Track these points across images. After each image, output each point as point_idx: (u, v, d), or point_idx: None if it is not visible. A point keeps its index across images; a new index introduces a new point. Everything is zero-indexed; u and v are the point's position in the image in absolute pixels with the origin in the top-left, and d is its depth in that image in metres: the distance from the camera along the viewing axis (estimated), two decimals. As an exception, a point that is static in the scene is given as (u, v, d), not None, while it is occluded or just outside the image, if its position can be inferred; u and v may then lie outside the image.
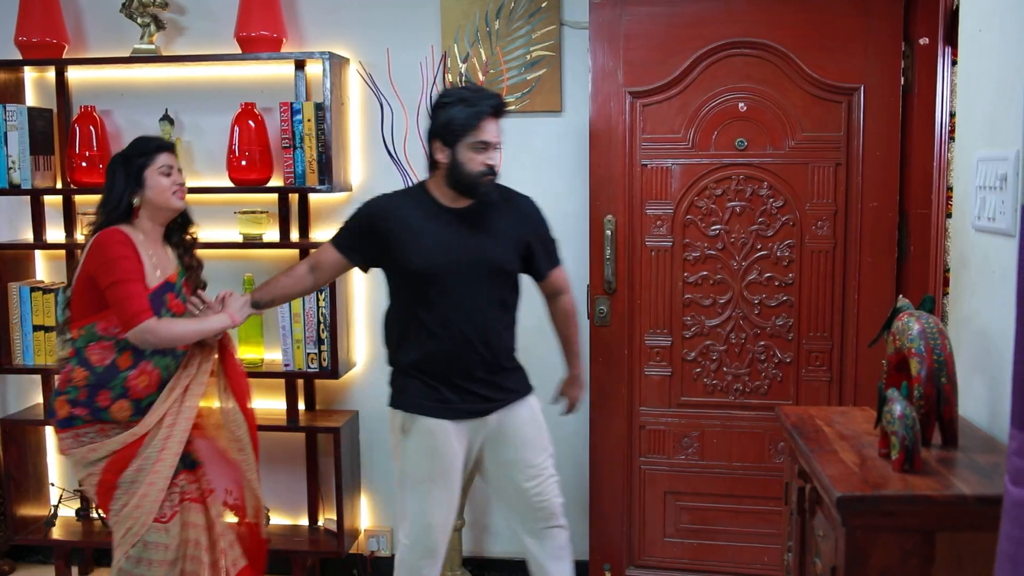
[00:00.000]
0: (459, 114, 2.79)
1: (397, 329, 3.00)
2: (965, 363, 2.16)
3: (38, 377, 4.06)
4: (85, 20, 3.98)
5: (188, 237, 3.07)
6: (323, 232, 3.89)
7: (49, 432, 4.16)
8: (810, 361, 3.44)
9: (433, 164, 2.90)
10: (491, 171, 2.84)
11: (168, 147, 2.96)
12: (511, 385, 2.99)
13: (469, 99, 2.82)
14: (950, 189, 3.30)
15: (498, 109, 2.84)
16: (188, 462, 2.99)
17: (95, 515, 4.05)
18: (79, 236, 3.95)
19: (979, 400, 2.12)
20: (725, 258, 3.45)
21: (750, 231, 3.43)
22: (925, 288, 3.29)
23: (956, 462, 1.87)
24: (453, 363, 2.89)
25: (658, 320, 3.52)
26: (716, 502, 3.56)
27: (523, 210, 3.02)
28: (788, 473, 2.32)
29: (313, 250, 3.82)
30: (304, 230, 3.85)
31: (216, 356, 3.04)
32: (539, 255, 3.01)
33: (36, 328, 3.87)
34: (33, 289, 3.86)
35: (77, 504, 4.10)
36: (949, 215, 3.30)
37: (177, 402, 2.91)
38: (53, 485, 4.15)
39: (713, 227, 3.45)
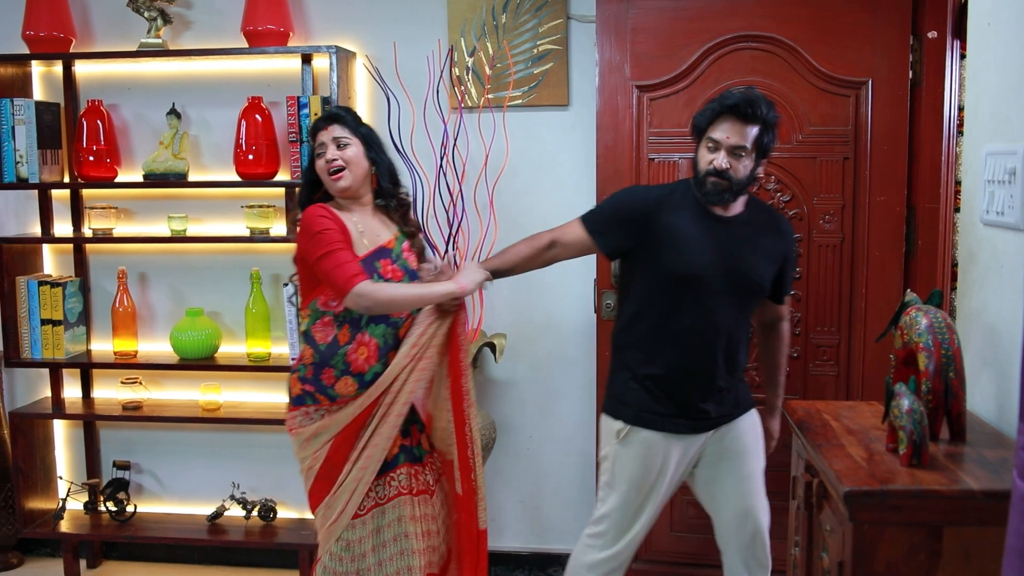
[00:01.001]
0: (703, 111, 2.73)
1: (638, 333, 2.85)
2: (973, 358, 2.16)
3: (46, 371, 4.07)
4: (92, 14, 3.98)
5: (400, 199, 2.95)
6: (330, 226, 3.90)
7: (58, 425, 4.18)
8: (817, 355, 3.44)
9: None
10: (715, 172, 2.67)
11: (322, 123, 2.85)
12: (736, 400, 2.88)
13: (717, 97, 2.71)
14: (958, 183, 3.29)
15: (735, 108, 2.64)
16: (415, 454, 2.94)
17: (103, 508, 4.06)
18: (86, 230, 3.96)
19: (987, 395, 2.12)
20: (732, 252, 3.44)
21: (757, 225, 3.42)
22: (933, 283, 3.28)
23: (964, 457, 1.87)
24: (693, 376, 2.78)
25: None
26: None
27: (783, 231, 2.87)
28: (795, 468, 2.32)
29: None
30: (311, 224, 3.85)
31: (446, 329, 2.88)
32: (784, 278, 2.89)
33: (44, 322, 3.88)
34: (41, 283, 3.87)
35: (85, 497, 4.11)
36: (957, 209, 3.29)
37: (404, 375, 2.82)
38: (61, 478, 4.17)
39: (720, 221, 3.44)
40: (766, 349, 3.07)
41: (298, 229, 2.80)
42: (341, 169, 2.80)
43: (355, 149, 2.82)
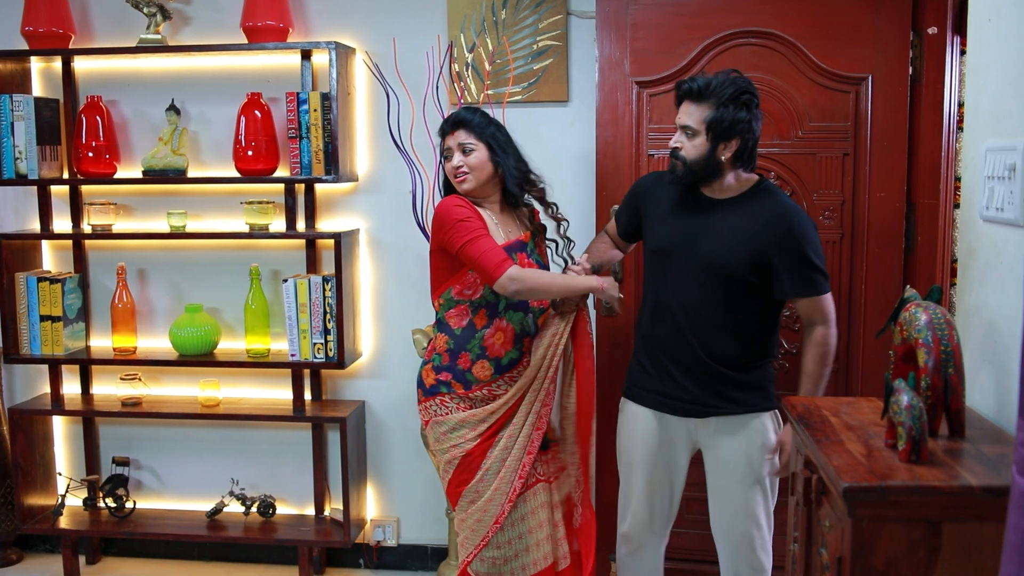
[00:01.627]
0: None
1: (641, 309, 3.02)
2: (972, 353, 2.15)
3: (45, 367, 4.07)
4: (91, 10, 3.97)
5: (535, 193, 3.01)
6: (329, 222, 3.90)
7: (57, 422, 4.18)
8: (817, 352, 3.43)
9: None
10: (670, 151, 2.80)
11: (448, 128, 2.92)
12: (737, 396, 2.83)
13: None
14: (958, 179, 3.29)
15: (687, 93, 2.75)
16: (543, 442, 3.01)
17: (102, 505, 4.06)
18: (86, 226, 3.96)
19: (986, 391, 2.11)
20: (732, 248, 3.44)
21: (757, 221, 3.41)
22: (932, 278, 3.28)
23: (963, 453, 1.87)
24: (670, 352, 2.86)
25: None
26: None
27: (776, 221, 2.75)
28: (794, 463, 2.32)
29: (320, 240, 3.84)
30: (310, 220, 3.86)
31: (570, 328, 2.95)
32: (781, 274, 2.75)
33: (43, 318, 3.88)
34: (40, 279, 3.87)
35: (84, 494, 4.11)
36: (957, 205, 3.29)
37: (537, 379, 2.92)
38: (60, 475, 4.17)
39: (720, 217, 3.43)
40: (801, 352, 2.92)
41: (432, 220, 2.89)
42: (465, 173, 2.87)
43: (479, 154, 2.88)
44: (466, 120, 2.90)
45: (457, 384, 2.89)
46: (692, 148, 2.75)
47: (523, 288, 2.76)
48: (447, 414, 2.90)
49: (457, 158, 2.87)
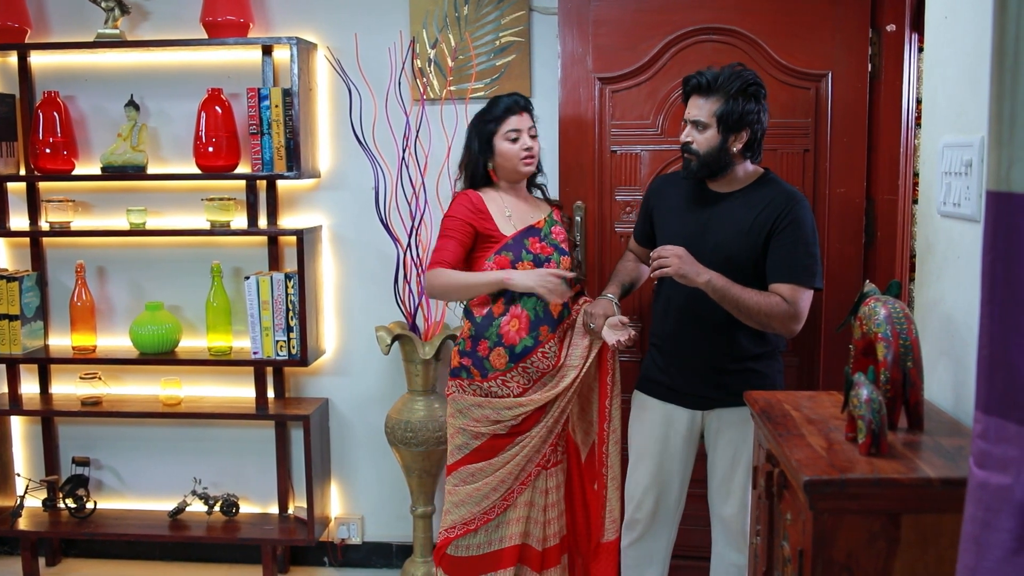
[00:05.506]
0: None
1: (653, 305, 3.07)
2: (930, 347, 2.18)
3: (3, 367, 4.00)
4: (48, 4, 3.91)
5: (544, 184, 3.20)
6: (291, 219, 3.87)
7: (15, 422, 4.12)
8: (778, 346, 3.45)
9: None
10: (682, 146, 2.84)
11: (517, 108, 3.00)
12: (738, 388, 2.74)
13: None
14: (916, 175, 3.32)
15: (696, 88, 2.80)
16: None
17: (62, 505, 4.01)
18: (43, 223, 3.90)
19: (944, 384, 2.14)
20: (694, 244, 3.45)
21: (719, 217, 3.43)
22: (891, 273, 3.31)
23: (921, 445, 1.89)
24: (679, 346, 2.92)
25: (627, 306, 3.51)
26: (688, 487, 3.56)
27: (776, 203, 2.78)
28: (756, 457, 2.34)
29: (282, 237, 3.81)
30: (272, 217, 3.83)
31: (595, 353, 3.06)
32: (771, 253, 2.78)
33: (0, 317, 3.82)
34: (-4, 277, 3.81)
35: (44, 494, 4.05)
36: (915, 201, 3.32)
37: (565, 398, 3.03)
38: (19, 476, 4.10)
39: (682, 213, 3.44)
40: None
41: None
42: (533, 157, 3.03)
43: (538, 140, 3.06)
44: (530, 107, 3.05)
45: (476, 371, 3.02)
46: (704, 141, 2.79)
47: (428, 287, 2.98)
48: (463, 396, 3.05)
49: (528, 140, 3.00)
